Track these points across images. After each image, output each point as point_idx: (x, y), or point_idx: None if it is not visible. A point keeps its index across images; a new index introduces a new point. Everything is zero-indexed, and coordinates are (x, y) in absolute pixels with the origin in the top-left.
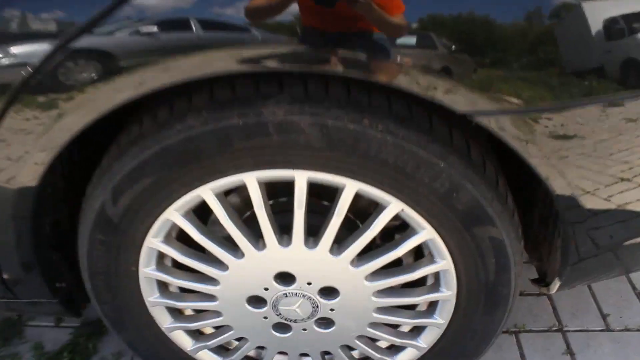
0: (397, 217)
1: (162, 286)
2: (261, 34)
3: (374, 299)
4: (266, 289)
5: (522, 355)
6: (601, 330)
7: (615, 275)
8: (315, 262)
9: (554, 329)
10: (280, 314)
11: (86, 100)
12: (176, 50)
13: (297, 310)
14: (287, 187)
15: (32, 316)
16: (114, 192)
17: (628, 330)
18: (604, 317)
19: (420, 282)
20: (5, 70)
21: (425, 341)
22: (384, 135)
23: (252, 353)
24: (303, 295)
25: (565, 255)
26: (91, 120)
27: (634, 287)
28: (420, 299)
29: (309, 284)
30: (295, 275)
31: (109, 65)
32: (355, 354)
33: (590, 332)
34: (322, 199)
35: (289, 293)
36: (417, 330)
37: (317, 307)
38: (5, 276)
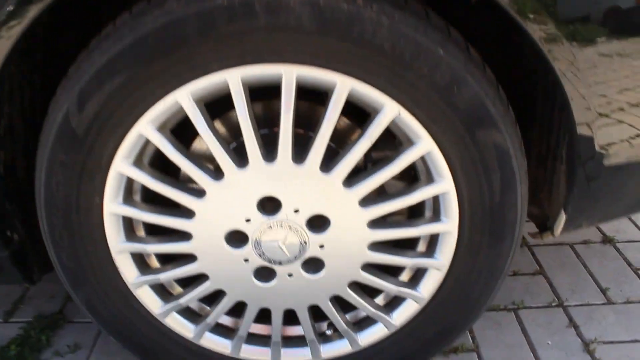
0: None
1: (129, 229)
2: None
3: (368, 230)
4: (248, 221)
5: (524, 331)
6: (603, 304)
7: (623, 214)
8: (303, 181)
9: (554, 304)
10: (263, 253)
11: None
12: None
13: (282, 246)
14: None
15: None
16: (80, 96)
17: (630, 302)
18: (604, 291)
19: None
20: None
21: (426, 290)
22: (379, 16)
23: (227, 322)
24: (289, 227)
25: (571, 180)
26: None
27: (629, 264)
28: (419, 230)
29: (296, 211)
30: (281, 200)
31: None
32: (348, 317)
33: (592, 305)
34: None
35: (273, 224)
36: (415, 280)
37: (305, 242)
38: None
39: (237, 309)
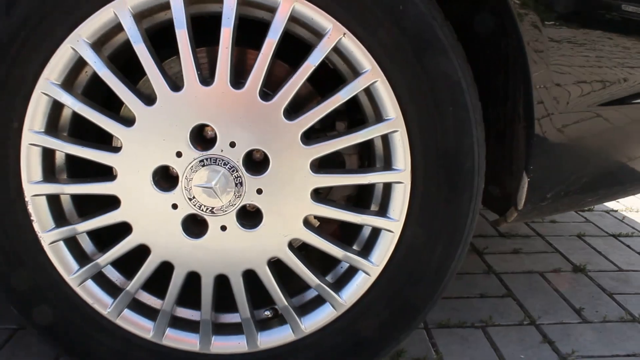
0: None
1: (47, 168)
2: None
3: (311, 173)
4: (179, 155)
5: (493, 346)
6: (579, 322)
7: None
8: (242, 109)
9: (526, 322)
10: (193, 197)
11: None
12: None
13: (215, 188)
14: None
15: None
16: None
17: (608, 321)
18: (578, 311)
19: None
20: None
21: (378, 258)
22: None
23: (150, 301)
24: (225, 164)
25: (530, 136)
26: None
27: (603, 289)
28: (368, 178)
29: (233, 145)
30: (217, 131)
31: None
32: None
33: (567, 324)
34: None
35: (207, 159)
36: (366, 250)
37: (241, 184)
38: None
39: (163, 290)
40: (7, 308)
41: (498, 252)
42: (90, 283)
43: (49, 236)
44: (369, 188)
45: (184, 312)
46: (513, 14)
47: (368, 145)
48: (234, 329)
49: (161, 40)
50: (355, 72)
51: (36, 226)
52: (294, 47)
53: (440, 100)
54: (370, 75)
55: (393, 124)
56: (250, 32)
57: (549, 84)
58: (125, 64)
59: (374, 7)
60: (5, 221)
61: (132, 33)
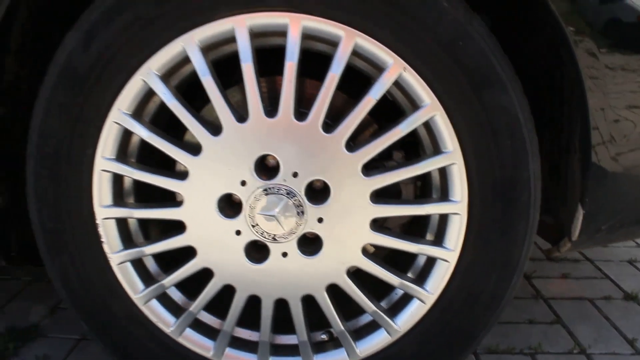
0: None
1: (117, 193)
2: None
3: (371, 203)
4: (243, 184)
5: None
6: (632, 354)
7: None
8: (305, 141)
9: (576, 352)
10: (256, 225)
11: None
12: None
13: (278, 216)
14: None
15: None
16: (88, 33)
17: None
18: (631, 342)
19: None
20: None
21: (433, 287)
22: None
23: (211, 321)
24: (287, 193)
25: (585, 168)
26: None
27: None
28: (426, 210)
29: (295, 175)
30: (280, 162)
31: None
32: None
33: (619, 355)
34: None
35: (270, 189)
36: (422, 278)
37: (303, 213)
38: None
39: (222, 310)
40: (71, 319)
41: (546, 276)
42: (154, 302)
43: (117, 257)
44: (424, 217)
45: (243, 333)
46: (570, 43)
47: (424, 174)
48: (290, 351)
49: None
50: (415, 105)
51: (106, 247)
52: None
53: (498, 134)
54: (430, 109)
55: (451, 157)
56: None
57: (606, 113)
58: (187, 91)
59: (433, 44)
60: (78, 242)
61: (200, 66)
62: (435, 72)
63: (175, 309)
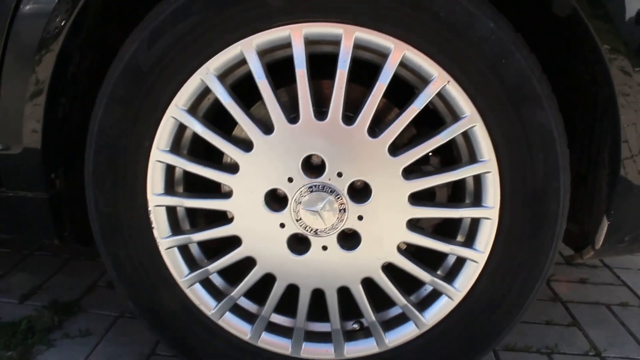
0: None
1: (169, 182)
2: None
3: (409, 206)
4: (290, 180)
5: None
6: None
7: None
8: (351, 144)
9: (591, 354)
10: (300, 219)
11: None
12: None
13: (321, 212)
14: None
15: None
16: (153, 33)
17: None
18: None
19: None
20: None
21: (462, 285)
22: None
23: (250, 307)
24: (331, 191)
25: (612, 182)
26: None
27: None
28: (460, 213)
29: (340, 175)
30: (326, 162)
31: None
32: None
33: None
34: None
35: (315, 186)
36: (451, 276)
37: (344, 211)
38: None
39: (260, 296)
40: (109, 297)
41: (564, 280)
42: (198, 286)
43: (166, 242)
44: (457, 219)
45: (279, 319)
46: (605, 61)
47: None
48: (322, 337)
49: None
50: (455, 116)
51: (155, 233)
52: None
53: (533, 147)
54: (470, 121)
55: (487, 166)
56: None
57: (637, 128)
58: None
59: (478, 60)
60: (131, 227)
61: (256, 69)
62: (478, 87)
63: (216, 294)
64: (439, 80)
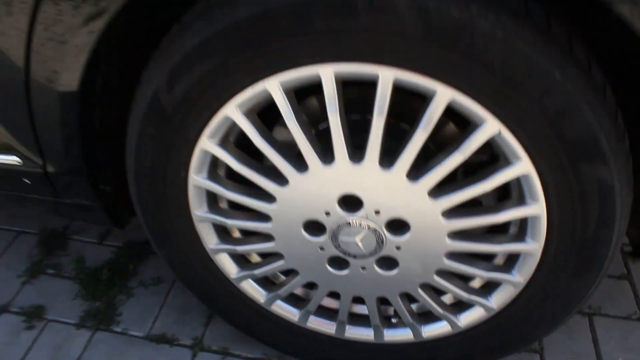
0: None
1: (211, 200)
2: None
3: (448, 241)
4: (327, 214)
5: (594, 340)
6: None
7: None
8: (388, 186)
9: (635, 317)
10: (339, 246)
11: None
12: None
13: (359, 243)
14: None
15: (77, 230)
16: (171, 75)
17: None
18: None
19: (500, 229)
20: None
21: (497, 301)
22: (494, 28)
23: (298, 291)
24: (368, 227)
25: None
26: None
27: None
28: (500, 248)
29: (377, 212)
30: (363, 200)
31: None
32: (414, 307)
33: None
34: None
35: (352, 222)
36: (488, 288)
37: (382, 242)
38: (49, 169)
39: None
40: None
41: None
42: (249, 281)
43: (214, 249)
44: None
45: (327, 301)
46: None
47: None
48: (365, 321)
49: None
50: (507, 160)
51: (203, 242)
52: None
53: (589, 202)
54: (520, 168)
55: (535, 210)
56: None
57: None
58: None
59: (537, 114)
60: (180, 238)
61: (285, 111)
62: (533, 139)
63: (268, 286)
64: (489, 128)
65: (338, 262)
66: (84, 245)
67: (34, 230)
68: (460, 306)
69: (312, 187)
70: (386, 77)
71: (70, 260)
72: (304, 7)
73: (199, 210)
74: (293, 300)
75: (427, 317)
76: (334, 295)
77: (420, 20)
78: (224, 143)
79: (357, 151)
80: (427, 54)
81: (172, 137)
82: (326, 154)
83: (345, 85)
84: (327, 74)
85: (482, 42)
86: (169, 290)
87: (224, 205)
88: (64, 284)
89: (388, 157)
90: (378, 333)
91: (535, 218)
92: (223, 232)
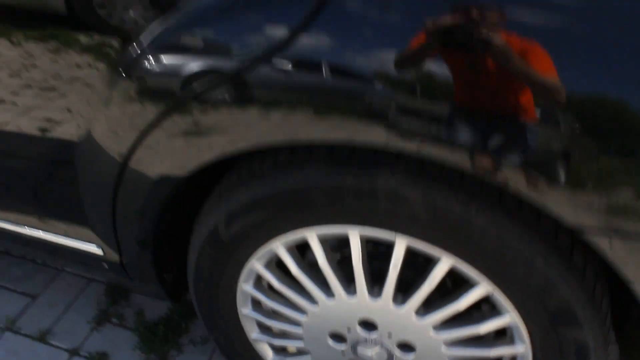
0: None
1: (256, 302)
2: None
3: (445, 348)
4: (348, 330)
5: None
6: None
7: None
8: (400, 318)
9: None
10: (357, 354)
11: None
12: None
13: (373, 356)
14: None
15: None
16: (228, 217)
17: None
18: None
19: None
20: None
21: None
22: (489, 225)
23: None
24: (382, 345)
25: None
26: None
27: None
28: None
29: (389, 336)
30: (378, 324)
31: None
32: None
33: None
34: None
35: (369, 339)
36: None
37: (393, 356)
38: (124, 260)
39: None
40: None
41: None
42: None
43: (254, 340)
44: None
45: None
46: None
47: None
48: None
49: None
50: (496, 313)
51: (246, 332)
52: None
53: (566, 353)
54: (509, 320)
55: (522, 349)
56: None
57: None
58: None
59: (522, 286)
60: (227, 326)
61: (319, 256)
62: (520, 304)
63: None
64: (484, 288)
65: None
66: (143, 298)
67: (102, 279)
68: None
69: (338, 310)
70: (400, 243)
71: (132, 312)
72: (337, 189)
73: (244, 309)
74: None
75: None
76: None
77: (428, 212)
78: (268, 265)
79: (375, 285)
80: (434, 233)
81: (226, 258)
82: (350, 285)
83: None
84: (354, 235)
85: (478, 234)
86: (212, 351)
87: (265, 307)
88: (126, 333)
89: (401, 294)
90: None
91: (522, 354)
92: (263, 326)
